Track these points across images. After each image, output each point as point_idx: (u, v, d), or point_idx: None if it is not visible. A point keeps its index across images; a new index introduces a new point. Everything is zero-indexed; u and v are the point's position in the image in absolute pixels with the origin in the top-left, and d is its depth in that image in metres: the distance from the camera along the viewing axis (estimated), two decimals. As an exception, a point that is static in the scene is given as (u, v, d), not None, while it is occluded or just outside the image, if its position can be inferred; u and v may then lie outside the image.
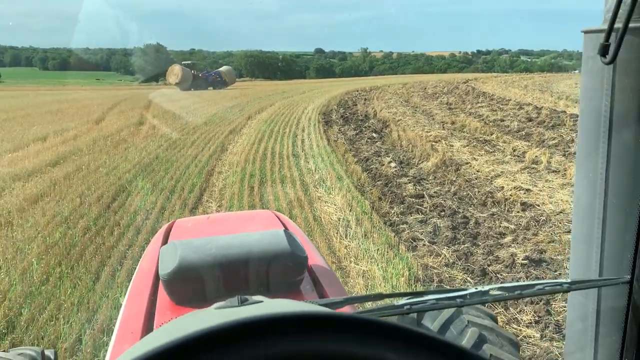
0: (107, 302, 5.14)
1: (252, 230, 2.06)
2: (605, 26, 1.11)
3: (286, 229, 2.15)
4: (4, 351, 1.96)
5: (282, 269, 1.85)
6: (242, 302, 0.80)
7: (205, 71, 50.45)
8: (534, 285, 1.26)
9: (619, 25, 1.05)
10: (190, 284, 1.78)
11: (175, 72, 44.70)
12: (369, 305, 1.54)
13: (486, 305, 4.81)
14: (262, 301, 0.81)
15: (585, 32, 1.24)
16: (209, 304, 0.94)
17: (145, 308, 1.88)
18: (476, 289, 1.27)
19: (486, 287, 1.28)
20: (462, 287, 1.27)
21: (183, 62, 49.71)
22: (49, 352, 2.08)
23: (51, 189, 9.50)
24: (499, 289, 1.28)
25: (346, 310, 1.47)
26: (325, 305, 1.14)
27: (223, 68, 52.77)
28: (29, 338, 4.54)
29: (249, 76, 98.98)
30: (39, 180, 10.31)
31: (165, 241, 2.54)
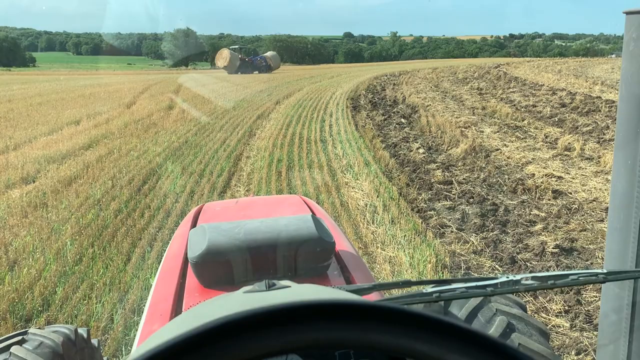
0: (137, 282, 5.26)
1: (280, 215, 2.06)
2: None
3: (314, 214, 2.14)
4: (39, 328, 2.03)
5: (310, 254, 1.85)
6: (270, 287, 0.80)
7: (251, 56, 52.17)
8: (567, 275, 1.22)
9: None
10: (218, 267, 1.80)
11: (223, 56, 46.51)
12: (396, 292, 1.53)
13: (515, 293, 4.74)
14: (289, 286, 0.81)
15: (628, 13, 1.18)
16: (236, 288, 0.95)
17: (174, 290, 1.91)
18: (507, 277, 1.24)
19: (518, 276, 1.25)
20: (492, 275, 1.25)
21: (231, 47, 51.55)
22: (82, 330, 2.13)
23: (84, 172, 9.72)
24: (532, 278, 1.25)
25: (373, 296, 1.46)
26: (352, 291, 1.13)
27: (268, 53, 54.54)
28: (63, 316, 4.68)
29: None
30: (73, 162, 10.55)
31: (194, 224, 2.57)
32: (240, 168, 10.29)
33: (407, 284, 1.32)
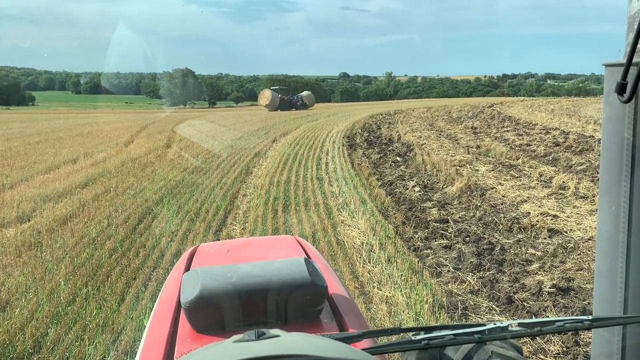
0: (131, 323, 5.19)
1: (274, 257, 2.07)
2: (636, 59, 1.11)
3: (307, 257, 2.15)
4: None
5: (302, 299, 1.85)
6: (259, 337, 0.81)
7: (289, 95, 59.23)
8: (554, 322, 1.24)
9: (638, 59, 1.05)
10: (211, 312, 1.80)
11: (266, 95, 54.17)
12: (386, 339, 1.53)
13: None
14: (279, 335, 0.82)
15: (607, 65, 1.24)
16: (229, 334, 0.96)
17: (167, 335, 1.90)
18: (495, 324, 1.26)
19: (505, 323, 1.26)
20: (481, 322, 1.26)
21: (272, 88, 59.58)
22: None
23: (80, 210, 9.70)
24: (519, 324, 1.26)
25: (363, 344, 1.46)
26: (342, 339, 1.14)
27: (304, 93, 61.56)
28: (55, 358, 4.60)
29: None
30: (69, 201, 10.55)
31: (188, 266, 2.58)
32: (236, 206, 10.30)
33: (396, 331, 1.33)
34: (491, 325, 1.25)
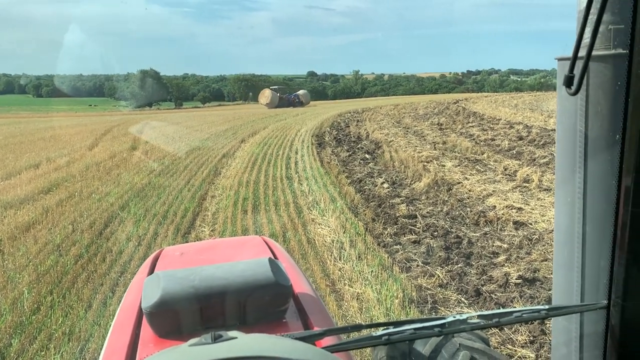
0: (98, 330, 5.09)
1: (240, 258, 2.05)
2: (581, 54, 1.14)
3: (272, 257, 2.14)
4: None
5: (266, 299, 1.85)
6: (216, 339, 0.80)
7: (287, 94, 64.03)
8: (511, 313, 1.26)
9: (583, 53, 1.08)
10: (172, 317, 1.77)
11: (266, 95, 58.95)
12: (346, 336, 1.54)
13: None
14: (236, 337, 0.81)
15: (559, 59, 1.27)
16: (191, 338, 0.94)
17: (128, 341, 1.86)
18: (454, 317, 1.28)
19: (464, 316, 1.28)
20: (441, 315, 1.28)
21: (271, 87, 64.00)
22: None
23: (43, 217, 9.45)
24: (478, 317, 1.29)
25: (324, 342, 1.46)
26: (303, 338, 1.14)
27: (300, 92, 66.50)
28: (19, 370, 4.48)
29: (242, 99, 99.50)
30: (31, 207, 10.26)
31: (151, 271, 2.54)
32: (205, 208, 10.19)
33: (359, 327, 1.34)
34: (451, 319, 1.27)
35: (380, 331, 1.22)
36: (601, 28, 1.21)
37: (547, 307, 1.26)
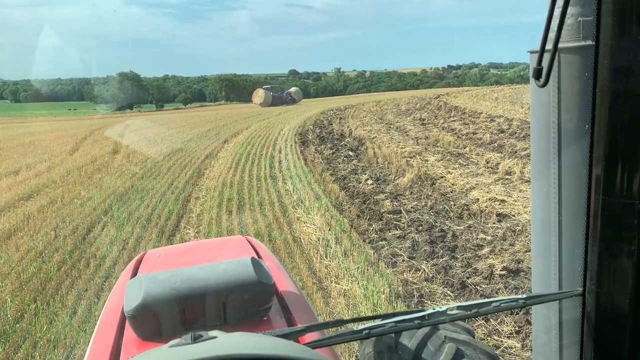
0: (84, 336, 5.04)
1: (223, 259, 2.05)
2: (549, 47, 1.16)
3: (255, 256, 2.15)
4: None
5: (249, 298, 1.85)
6: (196, 339, 0.80)
7: (279, 92, 65.46)
8: (490, 303, 1.29)
9: (550, 46, 1.10)
10: (154, 319, 1.77)
11: (259, 94, 60.04)
12: (330, 331, 1.55)
13: (467, 320, 4.85)
14: (216, 337, 0.81)
15: (531, 52, 1.29)
16: (174, 339, 0.94)
17: (111, 344, 1.85)
18: (434, 309, 1.30)
19: (444, 307, 1.30)
20: (421, 308, 1.30)
21: (264, 87, 65.58)
22: None
23: (24, 224, 9.32)
24: (457, 308, 1.31)
25: (306, 338, 1.47)
26: (285, 335, 1.15)
27: (292, 89, 68.35)
28: (4, 379, 4.42)
29: (224, 100, 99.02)
30: (12, 215, 10.11)
31: (134, 274, 2.52)
32: (189, 210, 10.14)
33: (341, 322, 1.35)
34: (430, 311, 1.29)
35: (362, 325, 1.23)
36: (570, 20, 1.24)
37: (524, 296, 1.28)
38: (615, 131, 1.06)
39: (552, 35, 1.11)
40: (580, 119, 1.21)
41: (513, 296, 1.31)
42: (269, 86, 70.08)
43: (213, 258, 2.41)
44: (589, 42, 1.15)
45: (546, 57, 1.14)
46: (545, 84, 1.13)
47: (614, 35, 1.03)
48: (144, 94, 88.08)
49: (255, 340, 0.82)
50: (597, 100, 1.07)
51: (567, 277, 1.33)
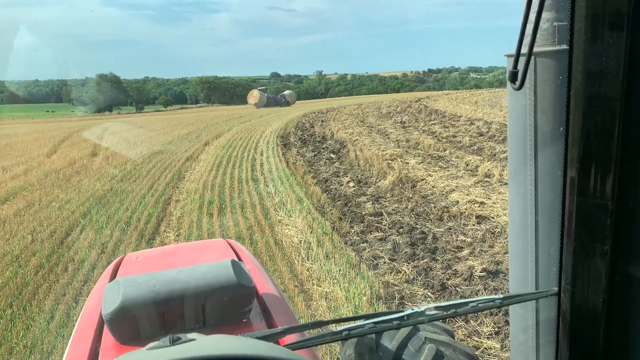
0: (62, 342, 4.96)
1: (203, 262, 2.04)
2: (524, 51, 1.18)
3: (235, 259, 2.14)
4: None
5: (229, 301, 1.84)
6: (174, 342, 0.80)
7: (274, 94, 67.31)
8: (467, 303, 1.31)
9: (526, 49, 1.13)
10: (133, 323, 1.75)
11: (254, 95, 61.22)
12: (309, 333, 1.55)
13: (447, 321, 4.89)
14: (194, 339, 0.81)
15: (508, 55, 1.31)
16: (152, 342, 0.94)
17: (89, 349, 1.83)
18: (412, 309, 1.31)
19: (422, 308, 1.32)
20: (400, 309, 1.32)
21: (259, 88, 66.10)
22: None
23: (0, 227, 9.14)
24: (435, 308, 1.32)
25: (285, 340, 1.47)
26: (265, 337, 1.15)
27: (286, 92, 70.45)
28: (-21, 386, 4.33)
29: (205, 102, 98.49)
30: (-13, 218, 9.91)
31: (112, 278, 2.50)
32: (169, 213, 10.05)
33: (319, 324, 1.36)
34: (409, 311, 1.30)
35: (341, 326, 1.24)
36: (546, 25, 1.26)
37: (502, 296, 1.31)
38: (589, 133, 1.08)
39: (527, 39, 1.13)
40: (555, 121, 1.23)
41: (491, 296, 1.33)
42: (264, 87, 71.49)
43: (193, 261, 2.39)
44: (564, 47, 1.18)
45: (522, 61, 1.16)
46: (521, 87, 1.15)
47: (587, 40, 1.05)
48: (123, 95, 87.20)
49: (234, 342, 0.82)
50: (572, 103, 1.09)
51: (543, 277, 1.36)
